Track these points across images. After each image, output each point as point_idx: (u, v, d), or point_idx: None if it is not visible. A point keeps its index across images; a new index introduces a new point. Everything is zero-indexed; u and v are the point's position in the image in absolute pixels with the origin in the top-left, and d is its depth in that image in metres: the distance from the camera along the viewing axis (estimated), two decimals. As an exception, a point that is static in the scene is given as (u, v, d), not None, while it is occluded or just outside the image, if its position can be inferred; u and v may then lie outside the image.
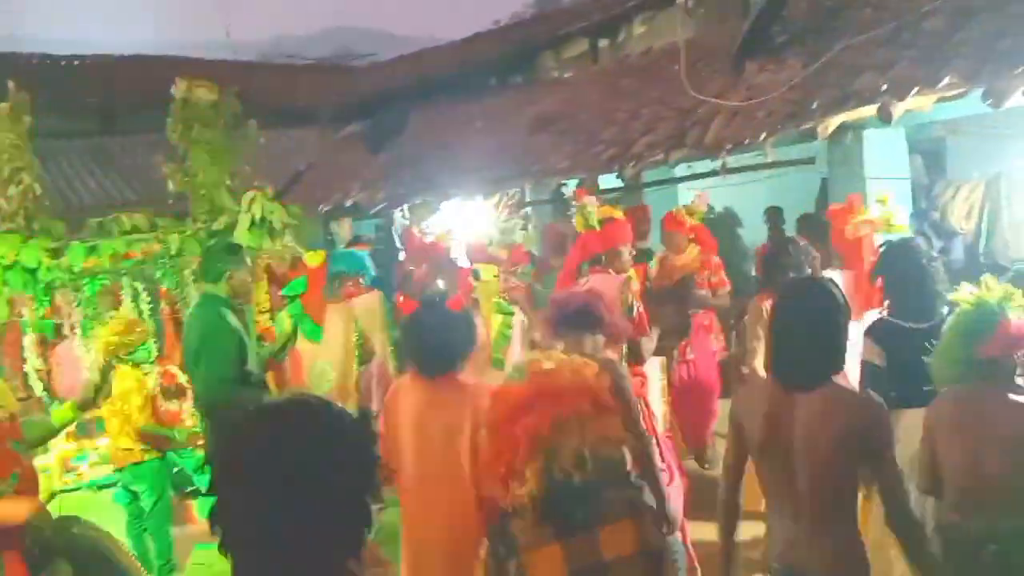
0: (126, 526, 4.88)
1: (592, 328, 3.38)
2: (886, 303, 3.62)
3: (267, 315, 6.58)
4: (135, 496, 4.91)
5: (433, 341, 3.13)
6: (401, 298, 6.48)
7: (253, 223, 5.98)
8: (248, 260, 4.62)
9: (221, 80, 7.18)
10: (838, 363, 2.45)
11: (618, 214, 5.29)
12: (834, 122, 5.14)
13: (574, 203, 5.36)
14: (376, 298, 5.73)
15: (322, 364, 5.31)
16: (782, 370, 2.48)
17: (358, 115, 13.38)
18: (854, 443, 2.32)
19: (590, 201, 5.20)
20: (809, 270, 4.47)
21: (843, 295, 2.54)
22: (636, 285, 4.59)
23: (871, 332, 3.50)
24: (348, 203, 9.95)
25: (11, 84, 6.31)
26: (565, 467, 2.01)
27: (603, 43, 10.56)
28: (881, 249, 4.09)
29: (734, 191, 8.57)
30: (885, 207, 5.24)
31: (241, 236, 5.95)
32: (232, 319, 4.12)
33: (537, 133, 8.22)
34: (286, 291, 5.46)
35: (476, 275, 5.93)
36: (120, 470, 4.95)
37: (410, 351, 3.25)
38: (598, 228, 5.07)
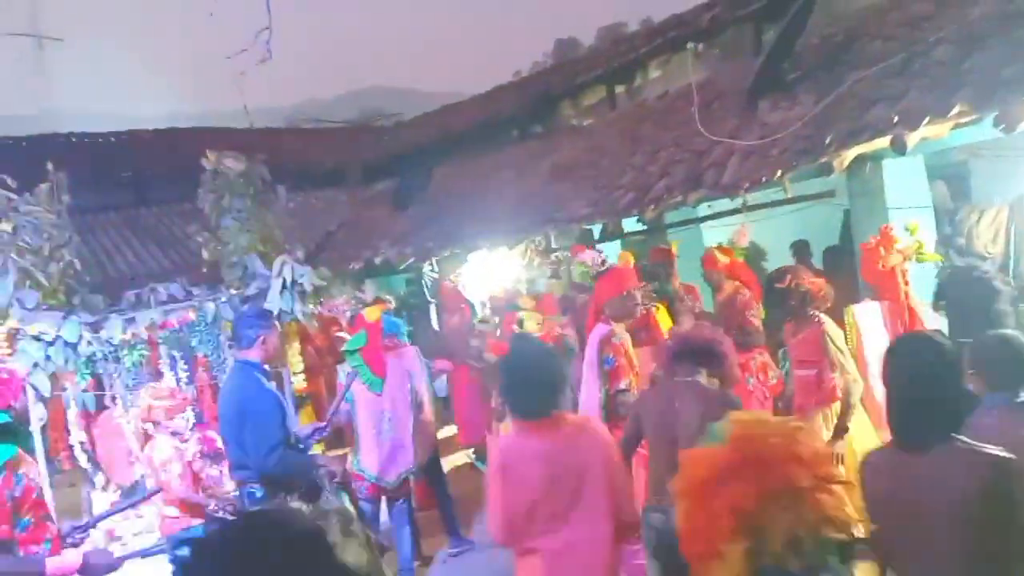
0: None
1: (711, 365, 3.41)
2: (944, 325, 3.55)
3: (302, 375, 6.70)
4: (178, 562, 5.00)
5: (542, 379, 3.04)
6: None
7: (284, 287, 6.12)
8: (278, 324, 4.76)
9: (250, 147, 7.44)
10: (955, 422, 2.29)
11: (626, 260, 5.45)
12: (850, 155, 5.17)
13: (574, 259, 5.46)
14: (416, 352, 5.90)
15: (380, 412, 5.51)
16: (899, 430, 2.34)
17: (385, 174, 13.68)
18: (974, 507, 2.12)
19: (587, 256, 5.34)
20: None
21: (953, 350, 2.39)
22: (622, 338, 4.62)
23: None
24: (378, 260, 10.13)
25: (49, 165, 6.57)
26: (776, 551, 1.64)
27: (620, 89, 10.72)
28: (944, 275, 4.05)
29: (758, 225, 8.59)
30: (914, 236, 5.30)
31: (274, 300, 6.10)
32: (269, 384, 4.21)
33: (559, 181, 8.35)
34: (348, 345, 5.67)
35: (520, 323, 6.03)
36: (166, 537, 5.03)
37: (520, 392, 3.11)
38: (592, 281, 5.19)
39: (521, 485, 2.97)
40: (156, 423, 5.07)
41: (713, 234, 7.66)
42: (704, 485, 1.74)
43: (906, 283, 5.13)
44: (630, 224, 7.48)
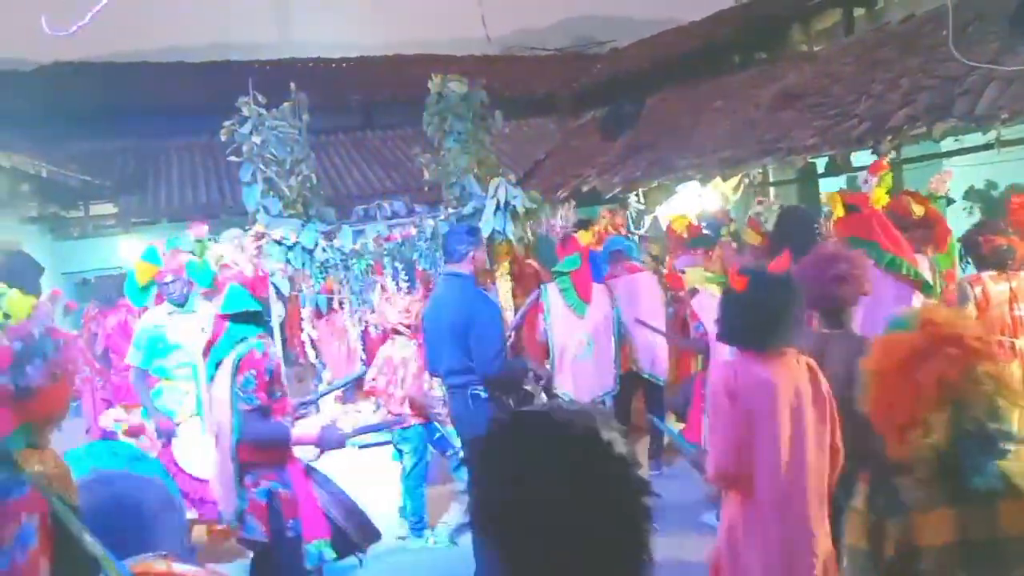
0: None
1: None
2: None
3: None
4: (400, 455, 5.45)
5: (778, 311, 2.97)
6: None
7: (498, 208, 6.28)
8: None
9: (470, 73, 7.61)
10: None
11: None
12: None
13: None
14: (654, 277, 5.97)
15: (581, 336, 5.69)
16: None
17: (597, 103, 13.58)
18: None
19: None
20: None
21: None
22: None
23: None
24: (585, 188, 10.14)
25: (292, 85, 7.07)
26: (978, 415, 1.85)
27: (858, 12, 9.88)
28: None
29: (1011, 167, 7.69)
30: None
31: (488, 220, 6.29)
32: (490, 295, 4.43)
33: (782, 110, 7.89)
34: (560, 267, 5.84)
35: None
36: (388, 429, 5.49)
37: (755, 325, 3.02)
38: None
39: (750, 416, 2.89)
40: (395, 329, 5.53)
41: (958, 174, 6.96)
42: (906, 363, 1.93)
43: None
44: (860, 159, 6.95)
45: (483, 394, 4.30)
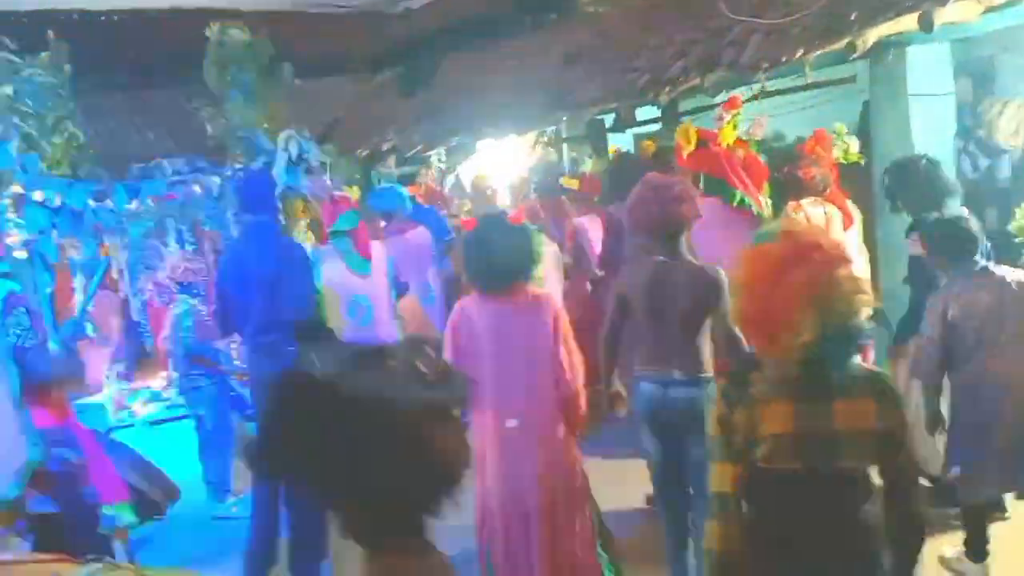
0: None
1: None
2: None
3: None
4: (199, 422, 5.19)
5: (499, 253, 3.17)
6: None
7: (290, 161, 6.03)
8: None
9: (257, 27, 7.20)
10: None
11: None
12: (872, 35, 4.99)
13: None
14: (426, 233, 5.88)
15: (360, 298, 5.43)
16: None
17: (392, 62, 13.36)
18: None
19: None
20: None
21: None
22: None
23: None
24: (385, 147, 10.00)
25: (50, 33, 6.39)
26: (843, 312, 2.03)
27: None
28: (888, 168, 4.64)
29: (773, 122, 8.39)
30: (842, 138, 5.47)
31: (279, 175, 6.02)
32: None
33: (570, 68, 8.13)
34: (336, 226, 5.57)
35: None
36: (182, 393, 5.23)
37: (475, 266, 3.28)
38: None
39: (469, 348, 3.18)
40: (180, 284, 5.26)
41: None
42: (775, 270, 2.08)
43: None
44: (644, 113, 7.30)
45: (291, 348, 4.17)
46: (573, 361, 3.27)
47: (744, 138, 5.89)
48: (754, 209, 4.62)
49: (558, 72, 8.32)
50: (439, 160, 10.28)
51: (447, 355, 3.13)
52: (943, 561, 3.94)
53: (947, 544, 4.00)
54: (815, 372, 2.06)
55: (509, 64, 9.98)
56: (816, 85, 5.83)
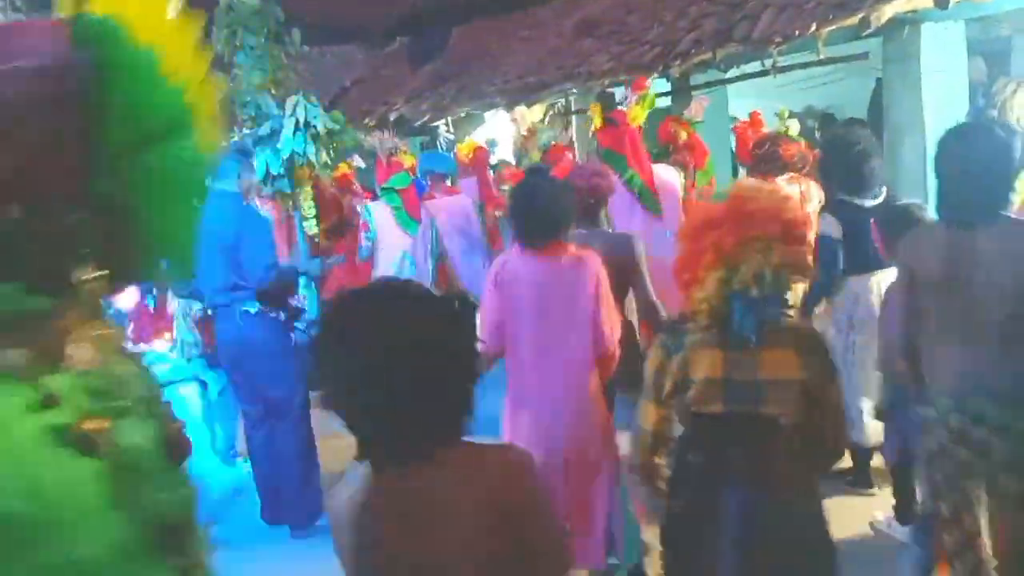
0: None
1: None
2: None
3: (312, 221, 6.69)
4: (204, 386, 5.21)
5: (542, 205, 3.20)
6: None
7: (297, 128, 6.02)
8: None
9: (268, -3, 7.16)
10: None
11: None
12: (888, 10, 4.92)
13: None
14: (468, 199, 5.96)
15: (407, 256, 5.82)
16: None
17: (403, 31, 13.28)
18: None
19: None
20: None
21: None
22: None
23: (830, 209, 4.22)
24: (392, 116, 9.96)
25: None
26: (744, 280, 2.12)
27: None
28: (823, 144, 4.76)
29: (786, 101, 8.33)
30: (783, 121, 5.72)
31: (286, 141, 6.01)
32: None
33: (582, 38, 8.07)
34: (390, 183, 5.89)
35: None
36: (189, 361, 5.25)
37: (520, 219, 3.28)
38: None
39: (511, 301, 3.20)
40: None
41: (742, 106, 7.43)
42: (697, 228, 2.25)
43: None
44: (656, 87, 7.23)
45: (252, 310, 4.27)
46: (613, 320, 3.29)
47: (686, 119, 5.92)
48: (636, 191, 4.77)
49: (569, 43, 8.26)
50: (447, 130, 10.23)
51: (487, 306, 3.21)
52: (874, 524, 4.01)
53: (878, 509, 4.07)
54: (730, 327, 2.18)
55: (523, 34, 9.92)
56: (830, 60, 5.76)
